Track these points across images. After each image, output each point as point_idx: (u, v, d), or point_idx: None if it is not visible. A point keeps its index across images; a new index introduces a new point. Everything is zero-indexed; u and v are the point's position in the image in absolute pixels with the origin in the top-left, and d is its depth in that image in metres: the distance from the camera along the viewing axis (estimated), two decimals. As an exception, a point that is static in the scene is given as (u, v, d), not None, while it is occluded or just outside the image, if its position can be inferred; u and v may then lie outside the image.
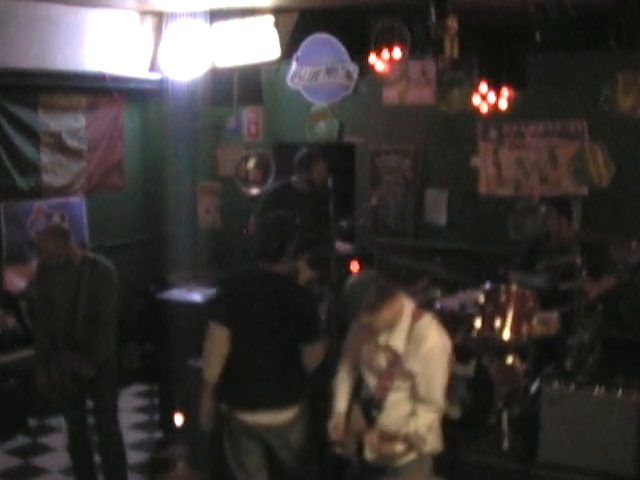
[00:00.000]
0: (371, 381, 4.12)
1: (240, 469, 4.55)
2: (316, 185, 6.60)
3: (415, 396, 3.98)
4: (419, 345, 3.93)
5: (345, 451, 4.16)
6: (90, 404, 5.47)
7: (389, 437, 3.89)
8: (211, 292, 7.30)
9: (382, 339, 4.03)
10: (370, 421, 4.02)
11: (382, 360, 4.06)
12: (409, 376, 3.97)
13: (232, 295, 4.48)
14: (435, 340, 3.98)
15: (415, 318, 4.01)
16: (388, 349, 4.02)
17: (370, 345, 4.10)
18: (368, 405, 4.06)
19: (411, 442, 3.89)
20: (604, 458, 4.72)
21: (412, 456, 4.02)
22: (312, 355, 4.38)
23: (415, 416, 3.95)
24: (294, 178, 6.74)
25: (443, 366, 3.99)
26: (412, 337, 3.96)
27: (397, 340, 4.00)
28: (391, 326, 3.99)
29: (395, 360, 4.00)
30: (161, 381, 6.91)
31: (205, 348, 4.48)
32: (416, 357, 3.93)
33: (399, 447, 3.91)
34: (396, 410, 4.01)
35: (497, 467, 4.95)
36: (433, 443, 4.11)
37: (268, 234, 4.48)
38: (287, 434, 4.45)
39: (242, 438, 4.49)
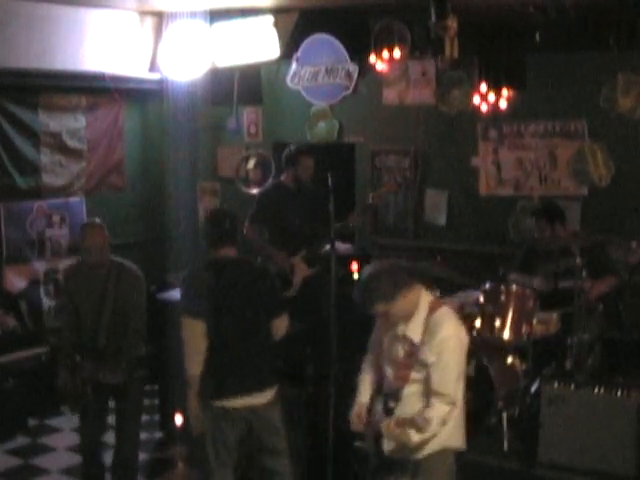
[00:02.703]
0: (389, 372, 4.12)
1: (215, 454, 4.66)
2: (303, 181, 6.58)
3: (428, 387, 3.97)
4: (434, 335, 3.93)
5: (365, 444, 4.17)
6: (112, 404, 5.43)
7: (404, 423, 3.86)
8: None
9: (400, 329, 4.04)
10: (388, 413, 4.01)
11: (400, 350, 4.06)
12: (424, 366, 3.96)
13: (198, 288, 4.61)
14: (450, 331, 3.97)
15: (432, 309, 4.01)
16: (405, 339, 4.03)
17: (389, 336, 4.11)
18: (386, 397, 4.07)
19: (417, 423, 3.84)
20: (604, 458, 4.72)
21: (431, 450, 4.01)
22: (279, 326, 4.68)
23: (428, 407, 3.93)
24: (283, 177, 6.75)
25: (457, 357, 3.98)
26: (429, 327, 3.96)
27: (414, 330, 4.00)
28: (408, 316, 4.00)
29: (412, 350, 4.00)
30: (161, 381, 6.91)
31: (187, 346, 4.59)
32: (430, 346, 3.93)
33: (415, 434, 3.86)
34: (413, 402, 3.99)
35: (497, 467, 4.95)
36: (455, 440, 4.11)
37: (219, 222, 4.68)
38: (268, 415, 4.62)
39: (222, 424, 4.61)
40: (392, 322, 4.03)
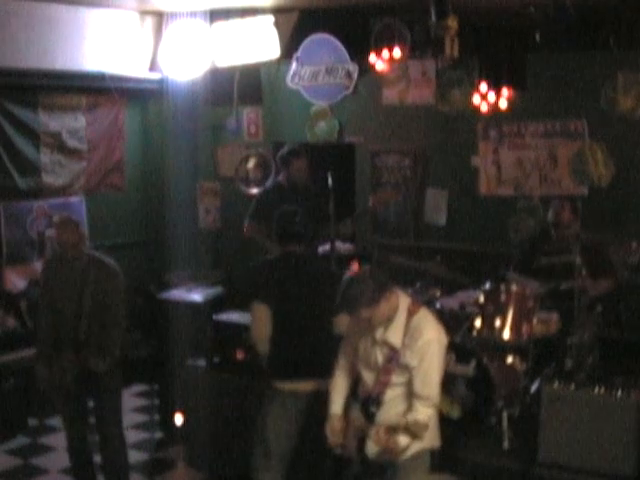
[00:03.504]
0: (368, 378, 4.12)
1: (276, 444, 4.76)
2: (296, 183, 6.57)
3: (410, 391, 3.98)
4: (416, 339, 3.95)
5: (345, 450, 4.16)
6: (91, 404, 5.47)
7: (393, 429, 3.89)
8: (214, 292, 7.37)
9: (379, 334, 4.04)
10: (369, 418, 4.03)
11: (379, 356, 4.07)
12: (405, 370, 3.98)
13: (268, 277, 4.87)
14: (431, 334, 4.00)
15: (411, 312, 4.03)
16: (385, 344, 4.04)
17: (367, 341, 4.11)
18: (366, 402, 4.07)
19: (413, 430, 3.88)
20: (604, 458, 4.72)
21: (410, 452, 4.02)
22: (339, 323, 4.71)
23: (412, 411, 3.95)
24: (280, 177, 6.76)
25: (438, 360, 4.01)
26: (409, 331, 3.98)
27: (394, 335, 4.01)
28: (388, 320, 4.01)
29: (392, 355, 4.01)
30: (161, 381, 6.91)
31: (253, 327, 4.87)
32: (412, 350, 3.95)
33: (403, 440, 3.90)
34: (395, 406, 4.02)
35: (497, 467, 4.95)
36: (431, 440, 4.12)
37: (291, 221, 4.94)
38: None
39: (290, 411, 4.75)
40: (373, 326, 4.03)
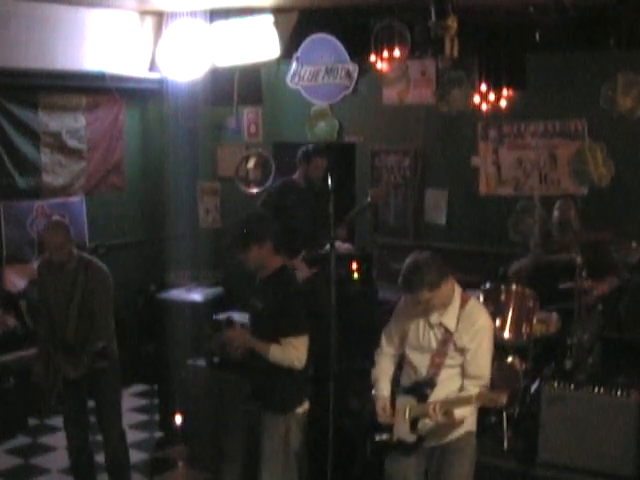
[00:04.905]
0: (419, 360, 4.27)
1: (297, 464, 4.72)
2: (313, 182, 6.60)
3: (464, 372, 4.18)
4: (471, 323, 4.16)
5: (394, 435, 4.26)
6: (92, 403, 5.48)
7: (449, 403, 4.07)
8: (213, 292, 7.35)
9: (434, 318, 4.21)
10: (422, 399, 4.18)
11: (433, 339, 4.23)
12: (461, 352, 4.16)
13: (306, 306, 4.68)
14: (485, 320, 4.24)
15: (464, 300, 4.23)
16: (441, 327, 4.21)
17: (419, 325, 4.27)
18: (418, 384, 4.23)
19: (486, 398, 4.06)
20: (604, 458, 4.73)
21: (458, 433, 4.21)
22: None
23: (465, 390, 4.15)
24: (295, 175, 6.76)
25: (490, 344, 4.22)
26: (463, 316, 4.18)
27: (450, 319, 4.19)
28: (445, 305, 4.19)
29: (447, 338, 4.18)
30: (161, 381, 6.91)
31: (299, 360, 4.53)
32: (469, 334, 4.14)
33: (458, 413, 4.06)
34: (447, 387, 4.20)
35: (497, 467, 4.95)
36: (474, 423, 4.29)
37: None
38: None
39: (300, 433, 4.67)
40: (430, 309, 4.18)
